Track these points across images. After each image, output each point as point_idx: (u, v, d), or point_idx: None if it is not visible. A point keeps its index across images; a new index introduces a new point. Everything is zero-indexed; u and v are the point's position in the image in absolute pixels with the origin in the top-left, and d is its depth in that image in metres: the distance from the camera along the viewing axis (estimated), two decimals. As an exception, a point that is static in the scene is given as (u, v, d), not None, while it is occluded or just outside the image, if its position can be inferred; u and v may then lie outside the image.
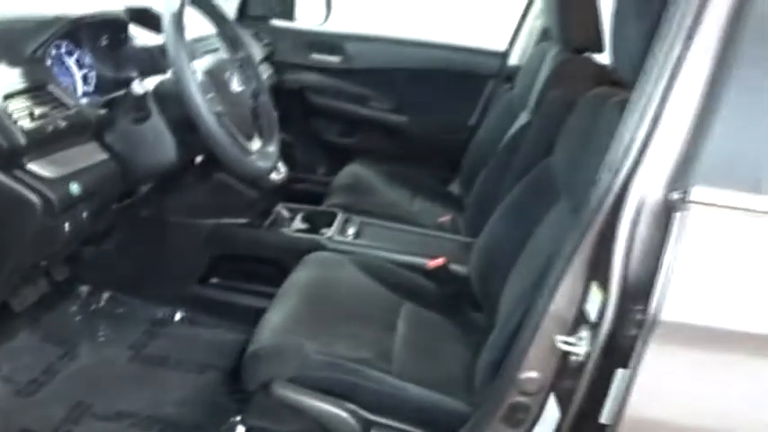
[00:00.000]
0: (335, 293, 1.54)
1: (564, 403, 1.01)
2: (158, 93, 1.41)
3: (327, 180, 2.52)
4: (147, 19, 1.87)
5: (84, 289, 1.96)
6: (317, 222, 2.00)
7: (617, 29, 1.20)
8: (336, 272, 1.63)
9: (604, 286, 0.95)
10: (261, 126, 1.63)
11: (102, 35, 1.56)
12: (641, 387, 0.91)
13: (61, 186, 1.21)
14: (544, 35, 2.57)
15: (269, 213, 1.99)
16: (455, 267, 1.74)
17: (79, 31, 1.48)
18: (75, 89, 1.48)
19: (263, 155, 1.54)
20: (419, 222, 2.16)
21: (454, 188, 2.68)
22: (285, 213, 1.99)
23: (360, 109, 2.78)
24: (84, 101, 1.41)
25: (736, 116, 0.90)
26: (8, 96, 1.16)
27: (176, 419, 1.59)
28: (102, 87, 1.55)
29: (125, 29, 1.62)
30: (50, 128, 1.21)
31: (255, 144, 1.55)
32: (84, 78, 1.52)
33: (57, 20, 1.35)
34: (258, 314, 1.52)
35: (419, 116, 2.75)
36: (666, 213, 0.91)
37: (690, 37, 0.90)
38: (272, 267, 1.90)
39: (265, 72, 2.38)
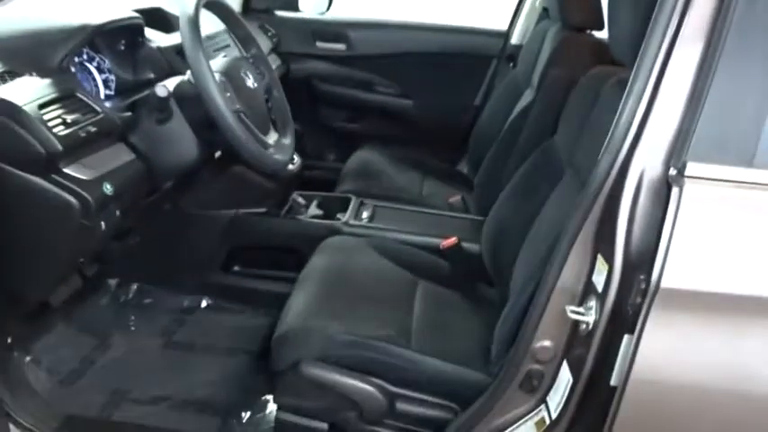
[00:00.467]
0: (354, 276, 1.61)
1: (576, 369, 1.09)
2: (178, 94, 1.47)
3: (337, 166, 2.58)
4: (158, 20, 1.93)
5: (112, 282, 2.04)
6: (331, 208, 2.07)
7: (613, 11, 1.26)
8: (354, 255, 1.70)
9: (609, 258, 1.02)
10: (275, 120, 1.70)
11: (119, 40, 1.63)
12: (646, 350, 0.98)
13: (96, 187, 1.29)
14: (544, 13, 2.60)
15: (285, 202, 2.06)
16: (467, 245, 1.80)
17: (98, 38, 1.54)
18: (97, 93, 1.55)
19: (280, 147, 1.61)
20: (430, 203, 2.23)
21: (462, 168, 2.74)
22: (300, 201, 2.06)
23: (366, 95, 2.83)
24: (107, 104, 1.48)
25: (728, 94, 0.95)
26: (42, 106, 1.24)
27: (209, 401, 1.67)
28: (122, 90, 1.62)
29: (141, 32, 1.68)
30: (82, 133, 1.28)
31: (272, 137, 1.62)
32: (105, 82, 1.59)
33: (80, 29, 1.41)
34: (279, 299, 1.59)
35: (425, 99, 2.80)
36: (665, 189, 0.98)
37: (683, 17, 0.95)
38: (290, 254, 1.98)
39: (273, 63, 2.43)
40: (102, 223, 1.32)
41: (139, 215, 1.70)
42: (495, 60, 2.78)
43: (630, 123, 1.01)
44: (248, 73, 1.58)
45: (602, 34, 2.08)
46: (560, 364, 1.15)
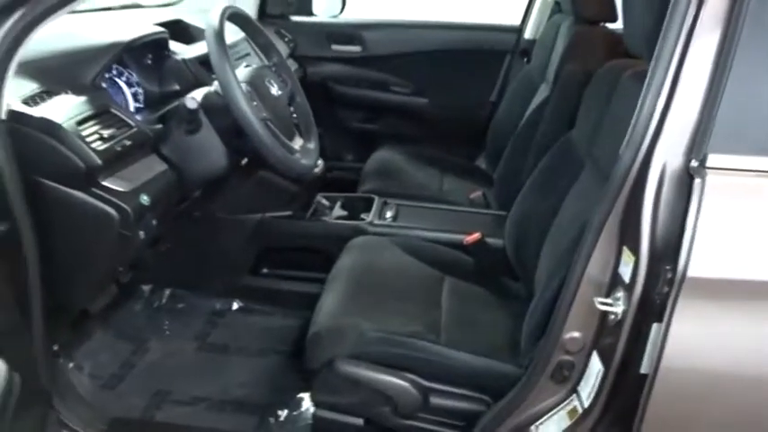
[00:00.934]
0: (382, 274, 1.65)
1: (606, 358, 1.12)
2: (206, 105, 1.51)
3: (357, 167, 2.62)
4: (180, 32, 1.98)
5: (146, 288, 2.10)
6: (355, 208, 2.11)
7: (628, 4, 1.27)
8: (380, 254, 1.74)
9: (635, 249, 1.05)
10: (299, 125, 1.74)
11: (146, 54, 1.68)
12: (675, 338, 1.01)
13: (133, 198, 1.34)
14: (557, 7, 2.62)
15: (309, 204, 2.11)
16: (490, 240, 1.82)
17: (126, 53, 1.60)
18: (127, 107, 1.60)
19: (306, 152, 1.66)
20: (451, 200, 2.27)
21: (480, 163, 2.77)
22: (325, 203, 2.10)
23: (382, 95, 2.87)
24: (138, 117, 1.53)
25: (746, 83, 0.97)
26: (80, 122, 1.29)
27: (246, 400, 1.72)
28: (149, 103, 1.67)
29: (166, 46, 1.73)
30: (118, 147, 1.33)
31: (297, 143, 1.66)
32: (134, 96, 1.64)
33: (110, 47, 1.46)
34: (308, 299, 1.63)
35: (440, 97, 2.83)
36: (687, 180, 1.00)
37: (700, 6, 0.97)
38: (317, 255, 2.03)
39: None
40: (141, 232, 1.37)
41: (170, 222, 1.75)
42: (508, 56, 2.81)
43: (651, 116, 1.03)
44: (272, 81, 1.62)
45: (615, 26, 2.10)
46: (590, 354, 1.17)
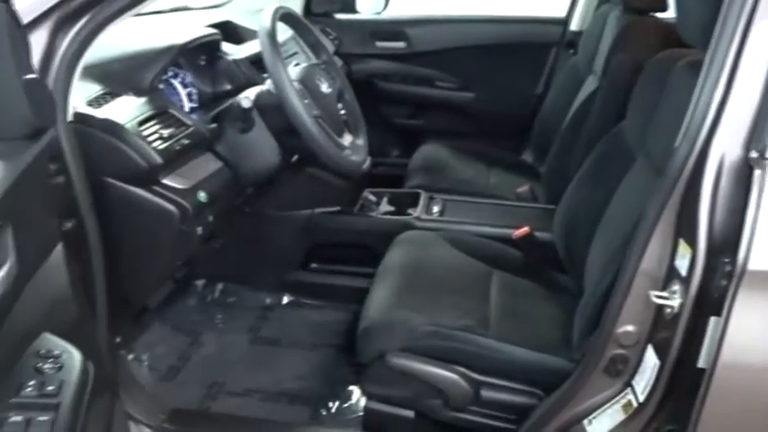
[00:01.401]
0: (431, 268, 1.67)
1: (662, 352, 1.11)
2: (259, 103, 1.55)
3: (402, 162, 2.63)
4: (230, 33, 2.03)
5: (199, 283, 2.17)
6: (402, 204, 2.13)
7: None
8: (429, 249, 1.76)
9: (692, 242, 1.03)
10: (348, 122, 1.77)
11: (199, 55, 1.73)
12: (734, 333, 0.99)
13: (191, 196, 1.39)
14: (604, -2, 2.58)
15: (357, 200, 2.14)
16: (539, 234, 1.82)
17: (181, 55, 1.65)
18: (182, 107, 1.65)
19: (355, 148, 1.68)
20: (498, 194, 2.26)
21: (526, 157, 2.75)
22: (372, 198, 2.13)
23: (427, 90, 2.88)
24: (194, 117, 1.58)
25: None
26: (141, 123, 1.34)
27: (299, 392, 1.76)
28: (203, 102, 1.72)
29: (218, 47, 1.78)
30: (177, 146, 1.38)
31: (347, 140, 1.68)
32: (189, 96, 1.69)
33: (167, 50, 1.51)
34: (357, 294, 1.65)
35: (485, 91, 2.82)
36: (747, 171, 0.99)
37: None
38: (365, 249, 2.05)
39: (336, 65, 2.51)
40: (198, 228, 1.42)
41: (223, 218, 1.80)
42: (554, 48, 2.78)
43: (708, 108, 1.01)
44: (322, 79, 1.65)
45: (665, 15, 2.06)
46: (644, 348, 1.16)
